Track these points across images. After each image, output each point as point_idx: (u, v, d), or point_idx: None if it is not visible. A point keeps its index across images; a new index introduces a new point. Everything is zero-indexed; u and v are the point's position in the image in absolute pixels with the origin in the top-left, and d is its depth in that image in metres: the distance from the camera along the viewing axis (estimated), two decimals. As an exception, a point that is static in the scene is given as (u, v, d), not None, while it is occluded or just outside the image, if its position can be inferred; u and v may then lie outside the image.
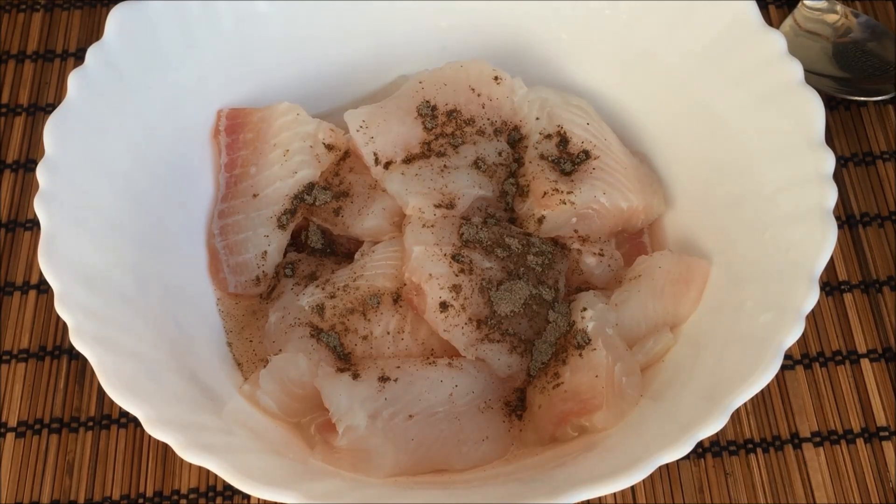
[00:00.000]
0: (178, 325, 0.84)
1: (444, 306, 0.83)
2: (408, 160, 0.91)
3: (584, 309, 0.85)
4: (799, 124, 0.84)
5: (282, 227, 0.91)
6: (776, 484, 0.89)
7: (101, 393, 0.92)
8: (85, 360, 0.91)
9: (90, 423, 0.91)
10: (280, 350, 0.85)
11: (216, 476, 0.76)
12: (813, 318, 0.96)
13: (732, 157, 0.89)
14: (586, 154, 0.92)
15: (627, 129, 0.98)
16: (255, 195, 0.92)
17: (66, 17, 1.12)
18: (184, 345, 0.83)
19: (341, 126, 0.94)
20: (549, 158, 0.92)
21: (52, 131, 0.81)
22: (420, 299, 0.84)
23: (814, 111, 0.84)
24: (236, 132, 0.94)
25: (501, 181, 0.92)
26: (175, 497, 0.88)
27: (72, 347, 0.92)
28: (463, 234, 0.87)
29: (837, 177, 1.00)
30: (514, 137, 0.95)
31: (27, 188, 1.02)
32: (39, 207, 0.78)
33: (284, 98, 0.95)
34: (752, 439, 0.90)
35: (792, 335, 0.74)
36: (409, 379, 0.82)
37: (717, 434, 0.88)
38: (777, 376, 0.74)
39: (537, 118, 0.94)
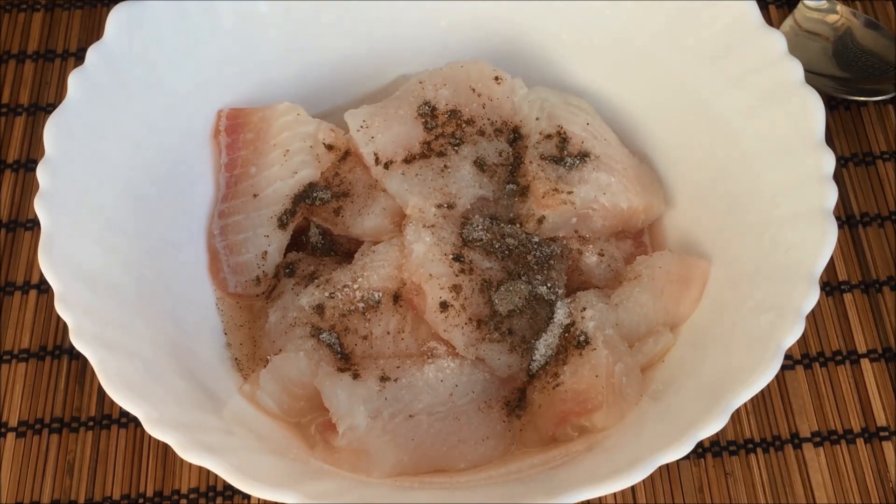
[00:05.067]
0: (178, 325, 0.84)
1: (444, 306, 0.83)
2: (408, 160, 0.91)
3: (584, 309, 0.85)
4: (799, 124, 0.84)
5: (282, 227, 0.91)
6: (776, 484, 0.89)
7: (102, 393, 0.92)
8: (85, 360, 0.91)
9: (90, 423, 0.91)
10: (280, 350, 0.85)
11: (216, 476, 0.76)
12: (813, 318, 0.96)
13: (732, 157, 0.89)
14: (586, 154, 0.92)
15: (627, 129, 0.98)
16: (255, 195, 0.92)
17: (66, 17, 1.12)
18: (184, 345, 0.83)
19: (341, 126, 0.94)
20: (549, 158, 0.92)
21: (52, 131, 0.81)
22: (420, 299, 0.84)
23: (814, 111, 0.84)
24: (236, 132, 0.94)
25: (502, 181, 0.92)
26: (175, 497, 0.88)
27: (72, 347, 0.92)
28: (463, 234, 0.87)
29: (837, 177, 1.00)
30: (514, 137, 0.95)
31: (27, 188, 1.02)
32: (39, 207, 0.78)
33: (284, 98, 0.95)
34: (753, 439, 0.91)
35: (792, 335, 0.74)
36: (409, 379, 0.82)
37: (717, 434, 0.88)
38: (777, 376, 0.74)
39: (537, 118, 0.94)
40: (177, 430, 0.71)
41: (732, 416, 0.73)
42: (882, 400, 0.92)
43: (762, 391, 0.74)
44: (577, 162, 0.91)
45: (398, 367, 0.83)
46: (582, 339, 0.83)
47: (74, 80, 0.84)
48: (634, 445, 0.76)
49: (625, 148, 0.96)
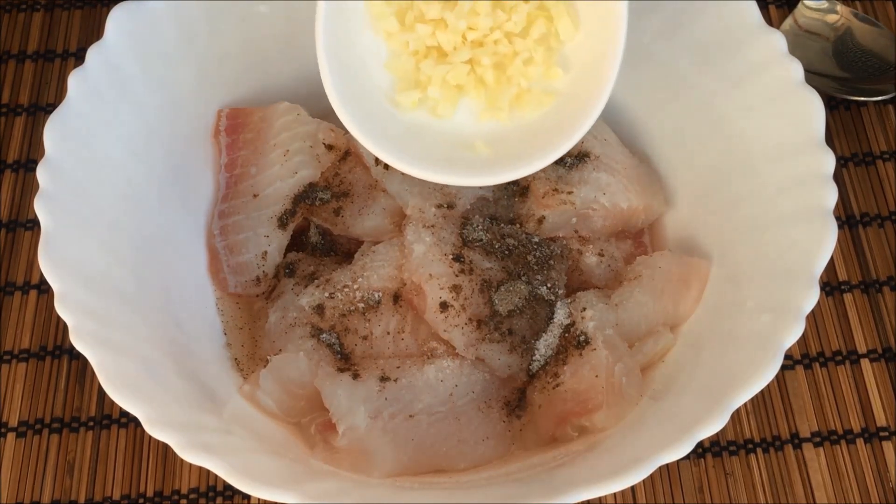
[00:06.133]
0: (178, 324, 0.84)
1: (444, 306, 0.83)
2: (408, 160, 0.91)
3: (584, 309, 0.85)
4: (799, 124, 0.84)
5: (282, 227, 0.91)
6: (776, 484, 0.89)
7: (102, 393, 0.92)
8: (85, 360, 0.91)
9: (91, 423, 0.91)
10: (280, 350, 0.85)
11: (216, 476, 0.76)
12: (813, 318, 0.96)
13: (732, 157, 0.89)
14: (586, 154, 0.92)
15: (627, 129, 0.98)
16: (255, 195, 0.92)
17: (66, 17, 1.12)
18: (184, 345, 0.83)
19: (341, 126, 0.94)
20: (549, 158, 0.92)
21: (52, 131, 0.81)
22: (420, 299, 0.84)
23: (814, 111, 0.84)
24: (236, 132, 0.94)
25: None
26: (175, 497, 0.88)
27: (72, 347, 0.92)
28: (463, 234, 0.87)
29: (837, 177, 1.00)
30: (514, 137, 0.95)
31: (27, 188, 1.02)
32: (39, 207, 0.78)
33: (284, 98, 0.95)
34: (753, 439, 0.91)
35: (792, 335, 0.74)
36: (409, 379, 0.82)
37: (717, 434, 0.88)
38: (777, 376, 0.74)
39: (537, 118, 0.95)
40: (177, 430, 0.71)
41: (732, 416, 0.73)
42: (882, 400, 0.92)
43: (762, 391, 0.74)
44: (577, 162, 0.91)
45: (398, 368, 0.83)
46: (582, 339, 0.83)
47: (74, 80, 0.84)
48: (634, 445, 0.76)
49: (625, 148, 0.96)
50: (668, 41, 0.93)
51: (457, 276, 0.84)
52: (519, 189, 0.92)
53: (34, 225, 0.99)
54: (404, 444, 0.80)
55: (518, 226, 0.90)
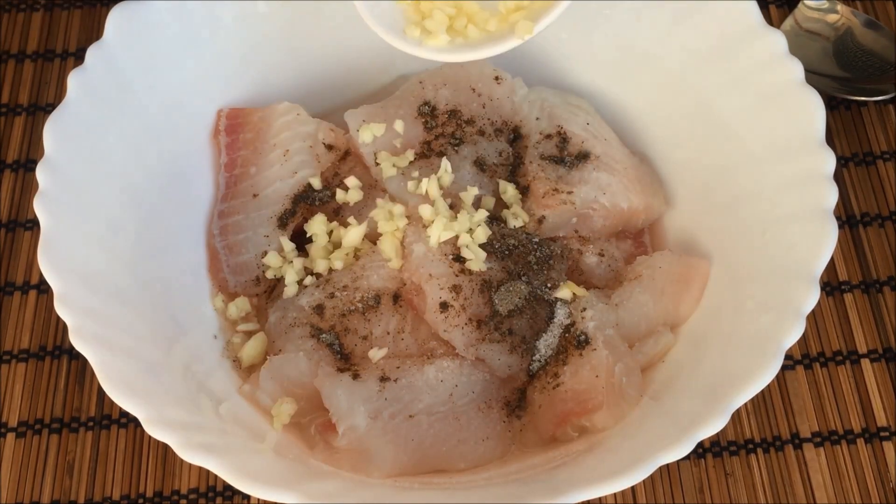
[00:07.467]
0: (177, 325, 0.84)
1: (444, 306, 0.83)
2: (408, 160, 0.91)
3: (584, 309, 0.85)
4: (799, 124, 0.84)
5: (282, 227, 0.91)
6: (776, 484, 0.89)
7: (102, 393, 0.92)
8: (85, 360, 0.91)
9: (90, 423, 0.91)
10: (280, 350, 0.85)
11: (216, 476, 0.76)
12: (813, 318, 0.96)
13: (733, 157, 0.89)
14: (586, 154, 0.92)
15: (627, 129, 0.98)
16: (255, 195, 0.92)
17: (66, 17, 1.12)
18: (183, 345, 0.83)
19: (341, 126, 0.94)
20: (549, 158, 0.92)
21: (52, 131, 0.81)
22: (420, 299, 0.84)
23: (814, 111, 0.84)
24: (236, 132, 0.94)
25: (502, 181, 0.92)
26: (175, 497, 0.88)
27: (72, 347, 0.92)
28: (463, 234, 0.87)
29: (838, 177, 1.00)
30: (514, 137, 0.95)
31: (27, 188, 1.02)
32: (39, 207, 0.78)
33: (284, 98, 0.95)
34: (753, 439, 0.90)
35: (792, 335, 0.74)
36: (409, 379, 0.82)
37: (717, 434, 0.88)
38: (777, 376, 0.74)
39: (537, 118, 0.95)
40: (176, 430, 0.71)
41: (733, 417, 0.73)
42: (882, 400, 0.92)
43: (762, 391, 0.74)
44: (578, 162, 0.91)
45: (398, 368, 0.83)
46: (582, 339, 0.83)
47: (74, 80, 0.84)
48: (634, 445, 0.76)
49: (625, 148, 0.96)
50: (668, 41, 0.93)
51: (457, 276, 0.84)
52: (519, 189, 0.92)
53: (34, 225, 0.99)
54: (404, 445, 0.80)
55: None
